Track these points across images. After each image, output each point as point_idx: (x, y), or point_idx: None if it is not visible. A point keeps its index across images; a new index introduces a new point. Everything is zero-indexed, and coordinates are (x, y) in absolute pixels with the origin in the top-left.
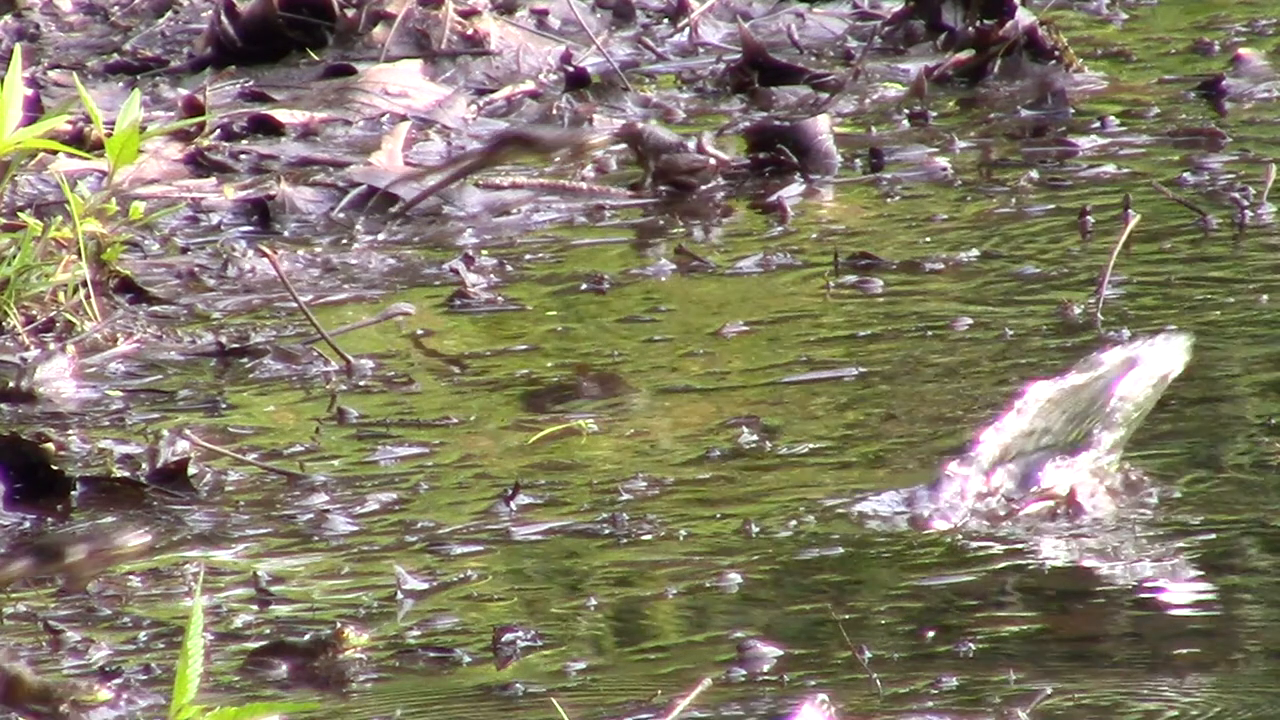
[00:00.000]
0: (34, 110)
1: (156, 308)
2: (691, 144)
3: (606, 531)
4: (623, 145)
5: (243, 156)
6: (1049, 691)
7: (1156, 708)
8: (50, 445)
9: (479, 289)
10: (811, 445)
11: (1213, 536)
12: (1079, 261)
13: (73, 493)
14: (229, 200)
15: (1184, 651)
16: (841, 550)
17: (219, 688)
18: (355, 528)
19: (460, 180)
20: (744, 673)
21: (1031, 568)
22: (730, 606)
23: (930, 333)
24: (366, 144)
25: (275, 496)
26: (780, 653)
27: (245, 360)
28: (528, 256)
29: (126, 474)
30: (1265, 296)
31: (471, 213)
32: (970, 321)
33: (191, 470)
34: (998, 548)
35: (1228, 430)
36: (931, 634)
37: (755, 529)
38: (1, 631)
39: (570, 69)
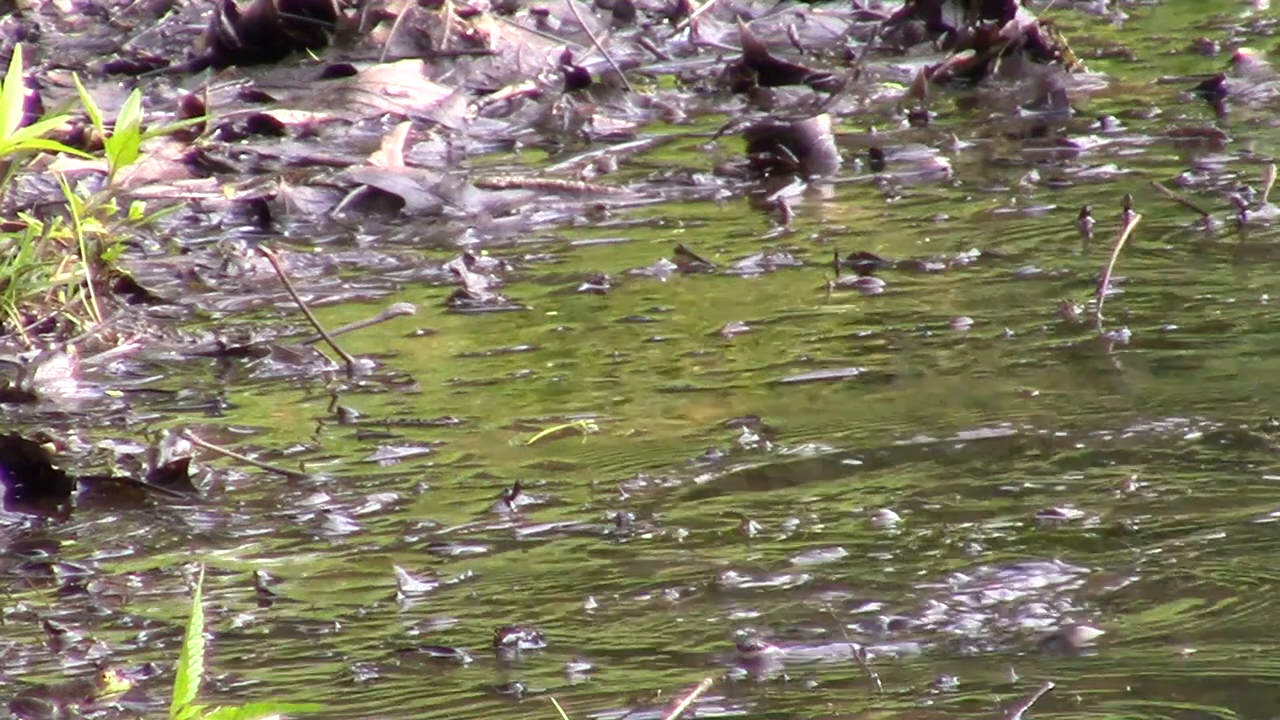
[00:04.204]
0: (34, 110)
1: (157, 308)
2: None
3: (607, 532)
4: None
5: (243, 156)
6: (1051, 685)
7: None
8: (50, 445)
9: (479, 289)
10: (812, 445)
11: (1213, 536)
12: (1079, 261)
13: (73, 493)
14: (229, 200)
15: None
16: (843, 550)
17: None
18: (355, 528)
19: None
20: (744, 673)
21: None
22: (730, 606)
23: (930, 333)
24: (367, 144)
25: (275, 496)
26: (780, 652)
27: (245, 360)
28: (528, 256)
29: (127, 474)
30: (1265, 296)
31: (471, 213)
32: (970, 321)
33: (192, 470)
34: (999, 547)
35: (1228, 431)
36: (932, 631)
37: (755, 528)
38: (1, 631)
39: (570, 69)
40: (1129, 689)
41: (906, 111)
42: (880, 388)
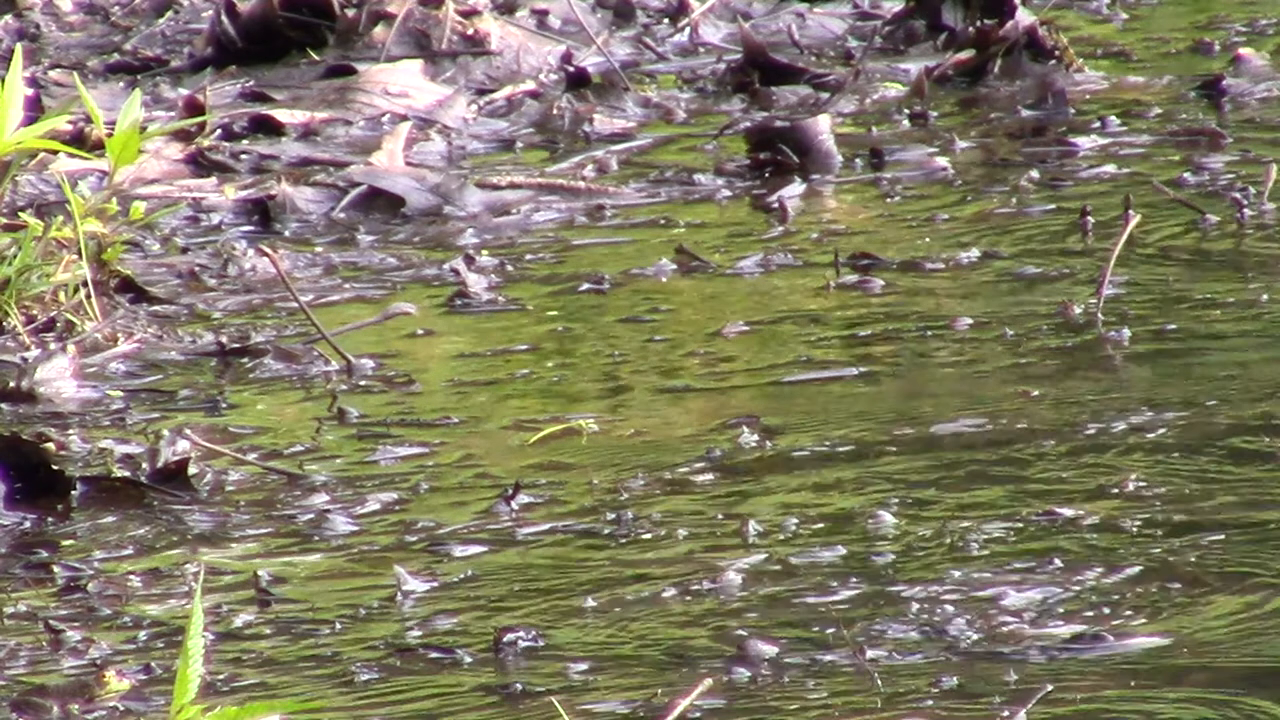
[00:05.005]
0: (34, 110)
1: (157, 307)
2: None
3: (607, 531)
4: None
5: (243, 156)
6: (1049, 688)
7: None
8: (50, 445)
9: (479, 289)
10: (811, 445)
11: (1214, 537)
12: (1079, 261)
13: (73, 493)
14: (229, 200)
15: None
16: (842, 550)
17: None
18: (355, 528)
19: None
20: (744, 673)
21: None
22: (730, 606)
23: (930, 333)
24: (367, 144)
25: (275, 496)
26: (779, 653)
27: (245, 360)
28: (528, 256)
29: (127, 474)
30: (1265, 296)
31: (472, 212)
32: (970, 321)
33: (192, 470)
34: (999, 547)
35: (1228, 431)
36: (931, 632)
37: (755, 529)
38: (1, 631)
39: (571, 69)
40: (1132, 684)
41: (906, 111)
42: (880, 388)
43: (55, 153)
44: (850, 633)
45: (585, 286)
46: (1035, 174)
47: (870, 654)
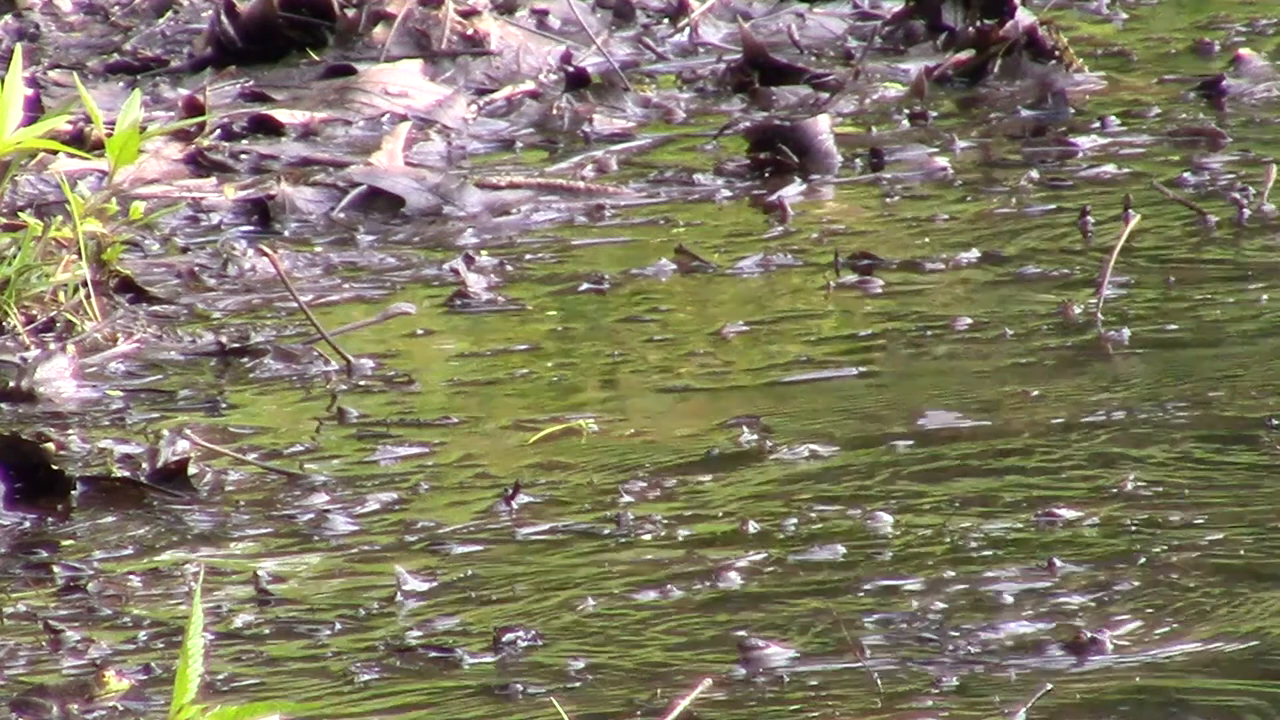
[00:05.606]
0: (34, 110)
1: (156, 307)
2: None
3: (607, 531)
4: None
5: (243, 156)
6: (1049, 687)
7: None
8: (50, 445)
9: (479, 289)
10: (811, 445)
11: (1214, 536)
12: (1079, 261)
13: (73, 493)
14: (229, 200)
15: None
16: (843, 549)
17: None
18: (355, 528)
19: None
20: (744, 673)
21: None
22: (730, 606)
23: (930, 333)
24: (367, 144)
25: (275, 496)
26: (780, 652)
27: (245, 360)
28: (528, 256)
29: (126, 474)
30: (1265, 296)
31: (471, 213)
32: (970, 321)
33: (191, 470)
34: (999, 547)
35: (1228, 431)
36: (931, 632)
37: (755, 528)
38: (1, 631)
39: (570, 69)
40: (1136, 680)
41: (906, 111)
42: (879, 388)
43: (55, 153)
44: (850, 632)
45: (585, 286)
46: (1035, 174)
47: (870, 654)
